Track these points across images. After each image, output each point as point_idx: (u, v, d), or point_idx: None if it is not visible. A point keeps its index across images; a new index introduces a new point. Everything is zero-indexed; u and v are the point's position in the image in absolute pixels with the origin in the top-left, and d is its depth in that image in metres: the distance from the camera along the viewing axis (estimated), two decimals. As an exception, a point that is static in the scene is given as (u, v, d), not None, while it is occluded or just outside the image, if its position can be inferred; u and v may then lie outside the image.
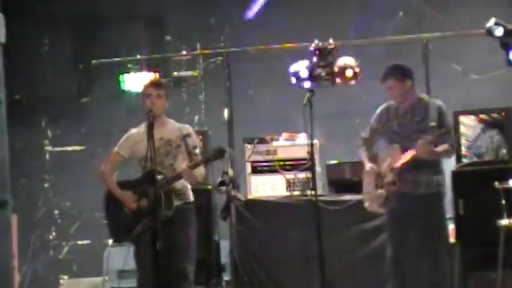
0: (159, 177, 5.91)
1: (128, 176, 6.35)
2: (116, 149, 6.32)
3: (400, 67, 6.64)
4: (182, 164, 6.15)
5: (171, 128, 6.28)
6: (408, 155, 6.35)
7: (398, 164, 6.37)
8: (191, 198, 6.28)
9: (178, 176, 6.06)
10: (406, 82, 6.55)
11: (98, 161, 6.56)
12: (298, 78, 7.98)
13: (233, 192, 7.65)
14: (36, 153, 9.42)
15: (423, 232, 6.39)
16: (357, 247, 7.41)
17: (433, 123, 6.35)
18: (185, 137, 6.21)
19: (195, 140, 6.29)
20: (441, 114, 6.43)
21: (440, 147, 6.40)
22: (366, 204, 6.62)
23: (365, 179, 6.64)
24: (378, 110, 6.70)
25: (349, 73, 7.93)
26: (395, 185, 6.37)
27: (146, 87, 6.29)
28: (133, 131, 6.34)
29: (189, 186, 6.29)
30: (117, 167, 6.33)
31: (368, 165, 6.60)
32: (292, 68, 7.98)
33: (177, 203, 6.10)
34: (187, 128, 6.32)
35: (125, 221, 6.15)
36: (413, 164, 6.34)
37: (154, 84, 6.35)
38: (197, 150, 6.24)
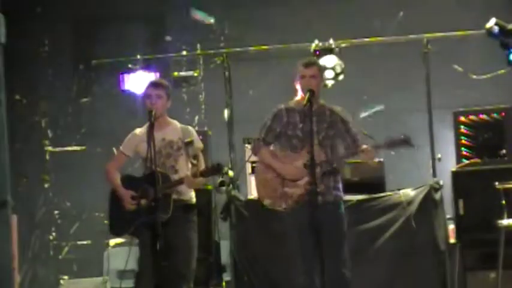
0: (161, 182, 5.92)
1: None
2: (121, 148, 6.35)
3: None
4: (184, 166, 6.15)
5: (174, 128, 6.26)
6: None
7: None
8: (193, 199, 6.27)
9: (179, 182, 6.05)
10: (323, 79, 6.41)
11: (103, 161, 6.56)
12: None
13: (233, 193, 7.69)
14: (36, 153, 9.42)
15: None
16: (357, 247, 7.37)
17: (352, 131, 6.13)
18: (187, 145, 6.17)
19: (196, 147, 6.20)
20: (347, 119, 6.22)
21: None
22: (268, 202, 6.26)
23: (267, 177, 6.26)
24: (276, 111, 6.27)
25: (328, 74, 7.98)
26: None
27: (146, 87, 6.28)
28: (138, 130, 6.33)
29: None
30: (122, 166, 6.37)
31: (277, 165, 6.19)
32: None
33: (178, 204, 6.08)
34: (190, 132, 6.26)
35: (123, 216, 6.16)
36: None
37: (153, 84, 6.33)
38: (200, 156, 6.21)
